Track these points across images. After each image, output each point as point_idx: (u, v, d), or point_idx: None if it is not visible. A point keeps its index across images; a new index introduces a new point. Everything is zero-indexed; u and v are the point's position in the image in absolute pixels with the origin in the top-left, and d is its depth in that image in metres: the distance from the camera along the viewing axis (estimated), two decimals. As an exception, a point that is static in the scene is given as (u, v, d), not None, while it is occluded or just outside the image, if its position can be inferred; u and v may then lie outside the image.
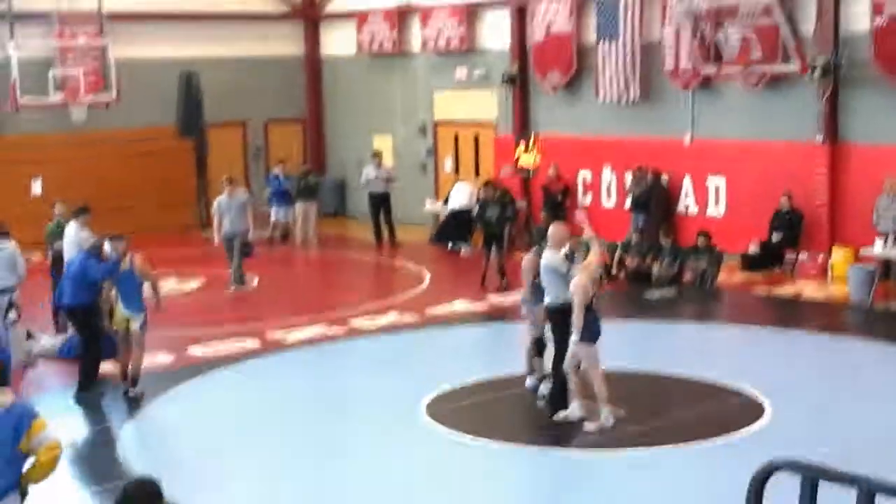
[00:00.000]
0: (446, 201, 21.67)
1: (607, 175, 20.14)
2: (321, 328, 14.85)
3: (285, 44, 25.59)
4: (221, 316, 15.97)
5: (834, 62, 16.79)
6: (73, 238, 13.75)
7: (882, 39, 16.38)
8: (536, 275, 11.16)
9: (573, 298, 10.41)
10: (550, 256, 10.79)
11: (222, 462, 10.18)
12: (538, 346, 11.58)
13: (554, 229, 10.99)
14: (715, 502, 8.74)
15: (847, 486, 4.32)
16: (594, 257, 10.71)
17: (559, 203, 20.00)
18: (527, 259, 11.58)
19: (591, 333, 10.46)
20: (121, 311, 11.95)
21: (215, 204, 17.82)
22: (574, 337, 10.44)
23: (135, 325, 11.92)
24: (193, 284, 18.10)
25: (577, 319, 10.36)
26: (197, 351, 13.77)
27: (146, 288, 12.17)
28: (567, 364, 10.68)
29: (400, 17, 23.49)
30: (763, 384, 11.61)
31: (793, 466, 4.52)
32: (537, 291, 11.18)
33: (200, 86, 23.86)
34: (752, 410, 10.95)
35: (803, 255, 17.41)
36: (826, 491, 4.43)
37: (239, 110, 24.73)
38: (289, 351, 13.85)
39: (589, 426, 10.54)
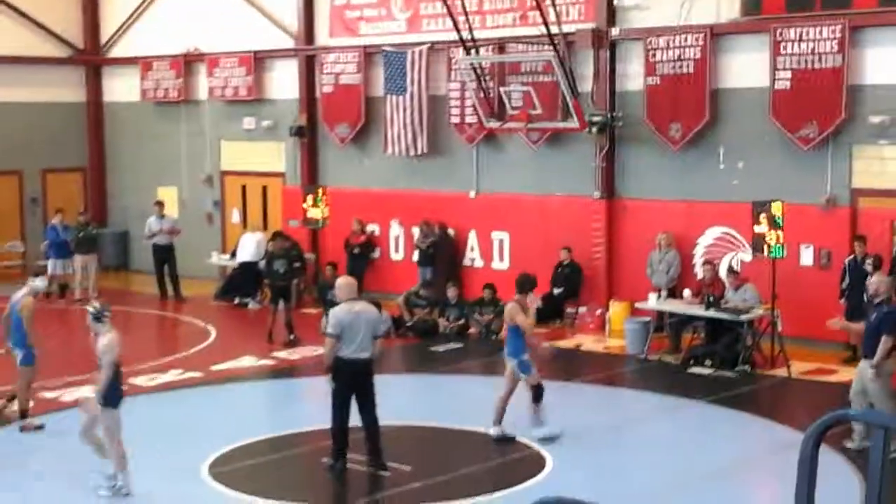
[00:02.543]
0: (233, 254, 21.33)
1: (395, 228, 20.28)
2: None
3: (65, 89, 24.74)
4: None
5: (610, 120, 17.47)
6: None
7: (654, 98, 17.16)
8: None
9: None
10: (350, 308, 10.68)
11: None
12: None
13: (344, 280, 11.09)
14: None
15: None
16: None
17: (359, 256, 19.97)
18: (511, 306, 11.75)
19: (115, 398, 10.13)
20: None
21: None
22: (97, 398, 10.06)
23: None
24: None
25: (103, 380, 9.97)
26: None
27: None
28: (83, 429, 10.30)
29: (186, 65, 23.12)
30: (544, 436, 11.83)
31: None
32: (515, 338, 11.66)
33: (-27, 131, 22.85)
34: (534, 463, 11.16)
35: (583, 309, 17.94)
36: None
37: (14, 158, 23.71)
38: (61, 411, 13.23)
39: None
